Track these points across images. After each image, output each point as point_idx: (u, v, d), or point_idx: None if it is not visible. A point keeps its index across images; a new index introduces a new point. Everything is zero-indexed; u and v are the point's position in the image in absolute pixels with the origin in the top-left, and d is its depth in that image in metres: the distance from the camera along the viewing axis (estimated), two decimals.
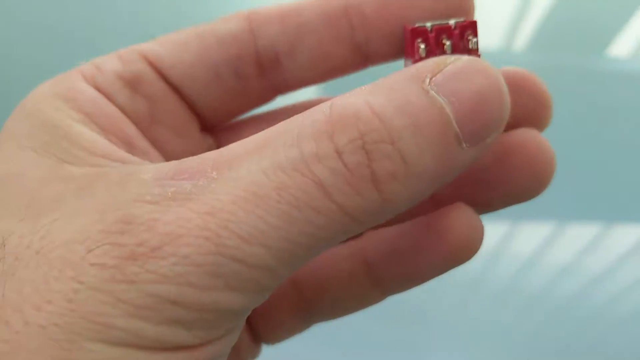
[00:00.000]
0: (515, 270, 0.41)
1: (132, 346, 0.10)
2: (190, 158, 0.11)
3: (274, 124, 0.15)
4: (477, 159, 0.11)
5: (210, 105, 0.15)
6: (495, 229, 0.42)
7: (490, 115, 0.11)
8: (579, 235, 0.44)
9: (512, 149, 0.14)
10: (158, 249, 0.10)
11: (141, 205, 0.10)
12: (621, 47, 0.54)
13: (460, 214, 0.14)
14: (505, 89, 0.11)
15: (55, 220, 0.11)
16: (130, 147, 0.13)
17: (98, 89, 0.14)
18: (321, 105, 0.11)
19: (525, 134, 0.14)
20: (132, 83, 0.14)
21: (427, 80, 0.11)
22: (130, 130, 0.14)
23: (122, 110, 0.14)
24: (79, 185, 0.11)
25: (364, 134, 0.10)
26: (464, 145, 0.11)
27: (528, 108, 0.15)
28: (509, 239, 0.42)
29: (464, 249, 0.14)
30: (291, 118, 0.11)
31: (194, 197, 0.10)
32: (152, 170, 0.11)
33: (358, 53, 0.15)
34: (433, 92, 0.11)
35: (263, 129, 0.15)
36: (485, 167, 0.14)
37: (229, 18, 0.15)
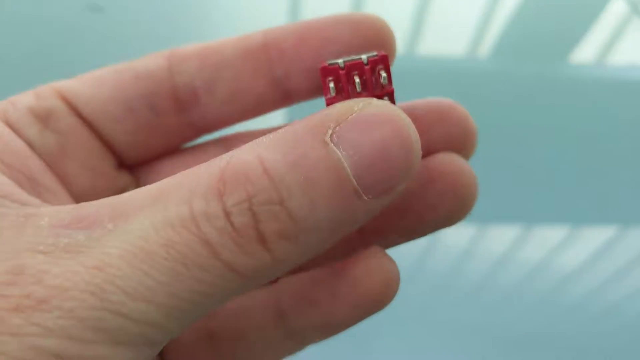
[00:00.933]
0: (485, 271, 0.41)
1: None
2: (89, 203, 0.11)
3: (193, 159, 0.15)
4: (385, 206, 0.11)
5: (125, 141, 0.15)
6: (464, 230, 0.42)
7: (393, 167, 0.11)
8: (547, 237, 0.45)
9: (434, 174, 0.14)
10: (44, 302, 0.10)
11: (33, 255, 0.10)
12: (584, 53, 0.55)
13: (375, 261, 0.13)
14: (413, 137, 0.11)
15: None
16: (34, 184, 0.13)
17: (8, 123, 0.14)
18: (220, 158, 0.11)
19: (446, 159, 0.14)
20: (43, 118, 0.14)
21: (329, 131, 0.10)
22: (36, 165, 0.14)
23: (30, 144, 0.14)
24: None
25: (251, 195, 0.10)
26: (365, 197, 0.11)
27: (453, 137, 0.15)
28: (479, 240, 0.42)
29: (379, 297, 0.13)
30: (190, 169, 0.11)
31: (85, 249, 0.10)
32: (49, 215, 0.11)
33: (278, 89, 0.15)
34: (332, 144, 0.10)
35: (182, 165, 0.15)
36: (409, 194, 0.14)
37: (150, 56, 0.15)
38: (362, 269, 0.13)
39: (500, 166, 0.49)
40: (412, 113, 0.12)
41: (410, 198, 0.14)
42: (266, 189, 0.10)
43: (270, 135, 0.11)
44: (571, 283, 0.43)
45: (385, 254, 0.14)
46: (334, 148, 0.10)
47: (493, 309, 0.39)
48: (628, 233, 0.46)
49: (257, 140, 0.11)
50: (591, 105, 0.53)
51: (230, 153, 0.11)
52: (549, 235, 0.44)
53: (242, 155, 0.11)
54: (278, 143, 0.10)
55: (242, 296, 0.15)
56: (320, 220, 0.10)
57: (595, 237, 0.45)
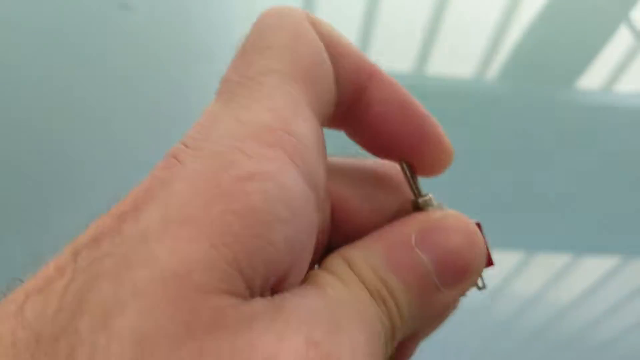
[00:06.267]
0: (483, 300, 0.40)
1: None
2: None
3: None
4: (459, 296, 0.14)
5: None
6: None
7: (465, 267, 0.13)
8: (547, 265, 0.44)
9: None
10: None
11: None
12: (591, 79, 0.55)
13: None
14: (480, 243, 0.14)
15: None
16: None
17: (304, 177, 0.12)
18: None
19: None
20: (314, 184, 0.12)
21: (413, 237, 0.13)
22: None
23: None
24: None
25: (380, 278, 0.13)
26: (443, 290, 0.13)
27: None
28: None
29: None
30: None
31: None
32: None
33: None
34: (418, 249, 0.13)
35: None
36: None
37: None
38: None
39: (503, 190, 0.49)
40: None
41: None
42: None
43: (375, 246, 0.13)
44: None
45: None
46: (419, 253, 0.13)
47: (491, 339, 0.38)
48: (631, 262, 0.45)
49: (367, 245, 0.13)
50: (597, 132, 0.52)
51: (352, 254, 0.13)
52: (550, 263, 0.43)
53: (366, 260, 0.13)
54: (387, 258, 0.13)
55: None
56: (411, 308, 0.13)
57: (597, 266, 0.44)
